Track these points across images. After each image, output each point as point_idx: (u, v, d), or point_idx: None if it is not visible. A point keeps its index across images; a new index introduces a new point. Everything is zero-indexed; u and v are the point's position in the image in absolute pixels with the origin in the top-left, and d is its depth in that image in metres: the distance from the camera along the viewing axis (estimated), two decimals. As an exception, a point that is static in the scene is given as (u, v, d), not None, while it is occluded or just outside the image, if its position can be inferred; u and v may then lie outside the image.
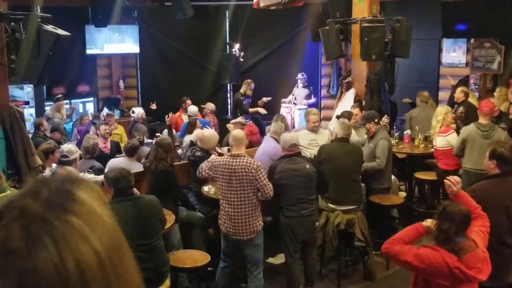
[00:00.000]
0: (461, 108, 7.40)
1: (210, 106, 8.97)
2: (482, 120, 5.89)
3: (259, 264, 4.77)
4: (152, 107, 9.38)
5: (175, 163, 5.85)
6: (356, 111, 7.06)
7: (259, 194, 4.56)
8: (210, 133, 6.19)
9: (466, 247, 2.90)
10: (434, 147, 6.55)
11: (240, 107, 9.26)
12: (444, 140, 6.33)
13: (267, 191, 4.51)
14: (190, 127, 7.22)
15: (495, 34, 8.76)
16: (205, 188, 5.61)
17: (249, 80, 9.27)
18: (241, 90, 9.26)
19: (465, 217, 2.96)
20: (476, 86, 8.97)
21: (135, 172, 5.61)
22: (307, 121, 6.33)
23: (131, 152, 5.95)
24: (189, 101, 9.17)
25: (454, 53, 9.54)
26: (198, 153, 5.89)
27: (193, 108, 8.65)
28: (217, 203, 4.90)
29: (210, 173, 4.70)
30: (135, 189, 4.63)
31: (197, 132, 6.93)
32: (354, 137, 6.63)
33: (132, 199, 3.93)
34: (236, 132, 4.90)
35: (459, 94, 7.57)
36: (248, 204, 4.55)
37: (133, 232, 3.81)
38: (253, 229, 4.61)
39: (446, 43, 9.59)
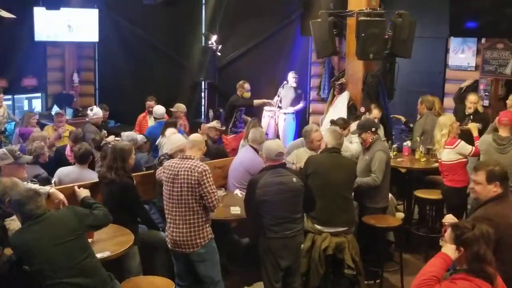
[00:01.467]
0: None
1: (180, 107, 8.93)
2: (502, 132, 5.99)
3: (215, 283, 4.81)
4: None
5: (135, 173, 5.79)
6: (376, 112, 7.12)
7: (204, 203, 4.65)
8: (179, 136, 6.16)
9: (492, 271, 2.97)
10: (439, 160, 6.61)
11: (239, 103, 9.35)
12: (451, 152, 6.37)
13: (211, 201, 4.61)
14: (170, 128, 7.20)
15: (510, 33, 8.86)
16: (171, 203, 5.55)
17: (241, 82, 9.37)
18: (238, 93, 9.34)
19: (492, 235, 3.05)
20: (487, 93, 9.06)
21: (90, 183, 5.56)
22: (309, 141, 6.14)
23: (83, 158, 5.87)
24: (150, 103, 9.13)
25: (462, 55, 9.64)
26: (165, 162, 5.83)
27: (159, 110, 8.59)
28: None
29: (160, 175, 4.94)
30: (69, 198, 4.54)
31: (170, 130, 6.90)
32: (348, 148, 6.64)
33: (41, 221, 3.84)
34: (194, 135, 5.17)
35: (471, 106, 7.70)
36: (189, 213, 4.63)
37: (55, 257, 3.75)
38: (196, 241, 4.66)
39: (454, 42, 9.69)
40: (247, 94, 9.28)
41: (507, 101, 7.93)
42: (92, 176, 5.76)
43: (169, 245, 4.82)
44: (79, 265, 3.83)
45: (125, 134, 6.87)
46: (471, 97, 7.92)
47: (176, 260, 4.91)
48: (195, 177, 4.58)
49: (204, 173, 4.60)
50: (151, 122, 8.86)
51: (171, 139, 5.97)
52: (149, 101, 9.22)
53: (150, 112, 8.94)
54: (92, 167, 6.17)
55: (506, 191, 3.86)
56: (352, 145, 6.75)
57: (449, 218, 3.53)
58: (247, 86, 9.32)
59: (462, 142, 6.42)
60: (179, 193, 4.64)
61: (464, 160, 6.41)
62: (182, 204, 4.64)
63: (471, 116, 7.65)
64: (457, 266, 3.08)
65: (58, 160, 6.67)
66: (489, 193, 3.88)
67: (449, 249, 3.09)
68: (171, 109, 8.88)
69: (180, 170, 4.64)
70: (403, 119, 8.52)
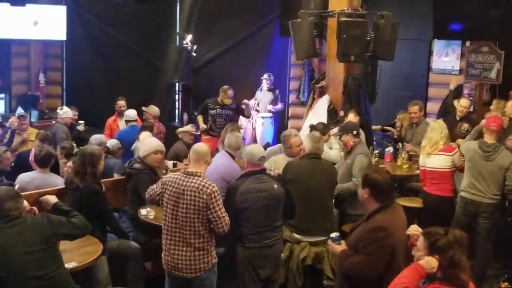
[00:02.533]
0: (465, 125, 7.55)
1: (153, 110, 8.90)
2: (488, 139, 6.03)
3: None
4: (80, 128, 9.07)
5: (105, 180, 5.76)
6: (351, 116, 7.12)
7: (212, 227, 4.45)
8: (155, 139, 6.15)
9: (466, 278, 3.01)
10: (423, 167, 6.55)
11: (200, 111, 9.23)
12: (448, 160, 6.35)
13: (222, 226, 4.43)
14: (146, 131, 7.17)
15: (495, 36, 8.95)
16: (143, 212, 5.53)
17: (225, 87, 9.15)
18: (218, 99, 9.14)
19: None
20: (471, 98, 9.15)
21: (55, 189, 5.51)
22: (288, 147, 6.11)
23: (44, 161, 5.81)
24: (121, 102, 9.06)
25: (446, 58, 9.78)
26: (136, 165, 5.83)
27: (131, 112, 8.56)
28: (158, 230, 4.82)
29: (159, 191, 4.63)
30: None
31: (144, 133, 6.86)
32: (328, 154, 6.68)
33: (15, 225, 3.81)
34: (198, 145, 4.80)
35: (464, 108, 7.77)
36: (194, 236, 4.44)
37: (25, 263, 3.73)
38: (200, 266, 4.50)
39: (438, 45, 9.83)
40: (228, 101, 9.18)
41: (491, 107, 8.03)
42: (57, 181, 5.71)
43: (165, 267, 4.62)
44: (49, 276, 3.80)
45: (94, 138, 6.83)
46: (464, 102, 7.99)
47: (170, 280, 4.70)
48: (203, 199, 4.37)
49: (213, 195, 4.38)
50: (122, 125, 8.81)
51: (147, 141, 5.96)
52: (120, 101, 9.08)
53: (121, 114, 8.88)
54: (56, 171, 6.11)
55: (386, 204, 3.82)
56: (332, 151, 6.79)
57: (413, 229, 3.57)
58: (230, 92, 9.10)
59: (459, 152, 6.42)
60: (185, 215, 4.42)
61: (455, 168, 6.44)
62: (187, 227, 4.43)
63: (468, 127, 7.63)
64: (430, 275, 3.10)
65: (20, 166, 6.54)
66: (363, 198, 3.91)
67: (428, 261, 3.10)
68: (143, 108, 8.83)
69: (186, 190, 4.42)
70: (394, 132, 8.53)
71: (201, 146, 4.77)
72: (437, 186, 6.41)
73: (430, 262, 3.08)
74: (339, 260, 4.00)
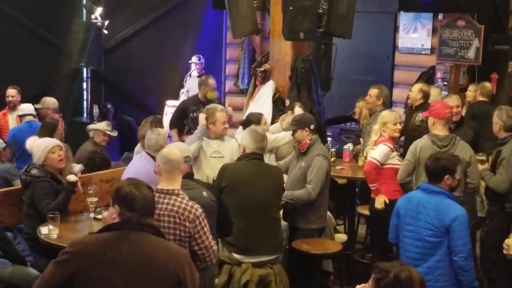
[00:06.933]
0: (420, 115, 7.70)
1: (49, 102, 8.72)
2: (438, 131, 6.01)
3: None
4: None
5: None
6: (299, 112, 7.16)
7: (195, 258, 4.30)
8: (41, 140, 6.09)
9: None
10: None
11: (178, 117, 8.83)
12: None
13: (210, 259, 4.38)
14: (46, 131, 7.07)
15: (473, 8, 9.15)
16: (43, 230, 5.45)
17: (203, 77, 8.80)
18: (199, 95, 8.74)
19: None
20: (445, 83, 9.36)
21: None
22: (212, 122, 6.32)
23: None
24: (10, 91, 8.85)
25: (415, 34, 9.99)
26: (34, 171, 5.76)
27: (27, 106, 8.46)
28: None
29: None
30: None
31: (31, 139, 6.77)
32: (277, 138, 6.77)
33: None
34: (169, 151, 4.53)
35: (416, 95, 7.86)
36: None
37: None
38: None
39: (404, 19, 10.05)
40: (212, 95, 8.93)
41: (467, 93, 8.23)
42: None
43: None
44: None
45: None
46: (414, 87, 8.20)
47: None
48: (185, 227, 4.26)
49: (198, 221, 4.27)
50: (12, 121, 8.67)
51: (36, 145, 5.90)
52: (8, 89, 8.89)
53: (12, 107, 8.76)
54: None
55: (124, 222, 3.32)
56: (279, 134, 6.82)
57: None
58: (211, 82, 8.67)
59: (384, 146, 6.36)
60: None
61: (396, 166, 6.38)
62: None
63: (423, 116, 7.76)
64: None
65: None
66: (110, 219, 3.46)
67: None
68: (36, 106, 8.64)
69: (162, 215, 4.26)
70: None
71: (173, 152, 4.48)
72: (386, 186, 6.41)
73: None
74: None
